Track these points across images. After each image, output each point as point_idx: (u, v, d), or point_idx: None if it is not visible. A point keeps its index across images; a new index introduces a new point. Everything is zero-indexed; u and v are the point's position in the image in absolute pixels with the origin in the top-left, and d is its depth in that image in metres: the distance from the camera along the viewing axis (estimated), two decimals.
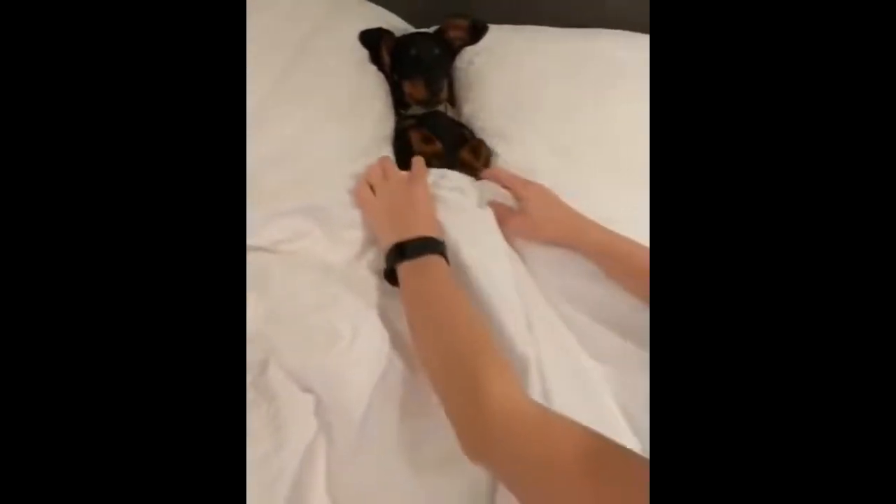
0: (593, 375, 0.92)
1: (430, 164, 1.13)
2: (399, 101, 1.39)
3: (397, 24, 1.49)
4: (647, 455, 0.56)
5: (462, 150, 1.28)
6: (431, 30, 1.43)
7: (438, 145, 1.23)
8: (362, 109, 1.26)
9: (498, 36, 1.42)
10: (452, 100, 1.44)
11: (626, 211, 1.06)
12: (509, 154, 1.26)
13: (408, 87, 1.36)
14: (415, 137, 1.27)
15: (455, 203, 1.06)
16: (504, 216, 1.08)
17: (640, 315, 0.93)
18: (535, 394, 0.82)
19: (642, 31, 1.51)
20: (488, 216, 1.06)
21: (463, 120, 1.38)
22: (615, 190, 1.20)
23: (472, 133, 1.34)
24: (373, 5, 1.50)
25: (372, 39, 1.34)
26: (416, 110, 1.38)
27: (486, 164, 1.27)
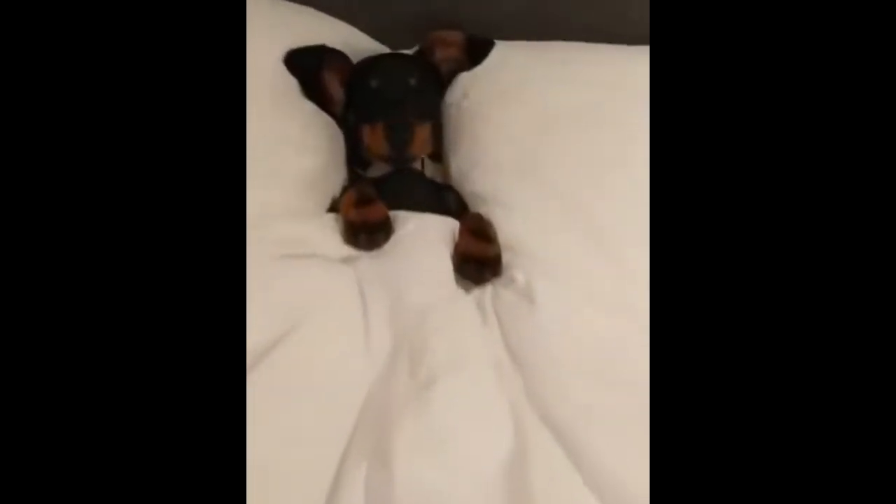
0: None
1: (368, 243, 0.89)
2: (356, 156, 1.07)
3: (362, 45, 1.17)
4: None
5: (460, 239, 0.93)
6: (412, 51, 1.15)
7: (381, 211, 0.93)
8: (278, 167, 0.94)
9: (505, 56, 1.11)
10: (439, 152, 1.09)
11: None
12: (510, 229, 0.95)
13: (367, 136, 1.02)
14: (347, 199, 0.96)
15: None
16: None
17: None
18: None
19: None
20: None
21: (450, 182, 1.07)
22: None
23: (458, 201, 1.04)
24: (322, 15, 1.16)
25: (307, 63, 1.06)
26: (380, 169, 1.05)
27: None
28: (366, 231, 0.88)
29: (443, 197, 1.03)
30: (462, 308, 0.84)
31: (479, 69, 1.10)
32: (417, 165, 1.04)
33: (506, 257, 0.90)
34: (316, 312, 0.79)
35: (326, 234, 0.89)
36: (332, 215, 0.93)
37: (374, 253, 0.87)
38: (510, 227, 0.94)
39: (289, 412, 0.70)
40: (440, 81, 1.10)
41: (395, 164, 1.01)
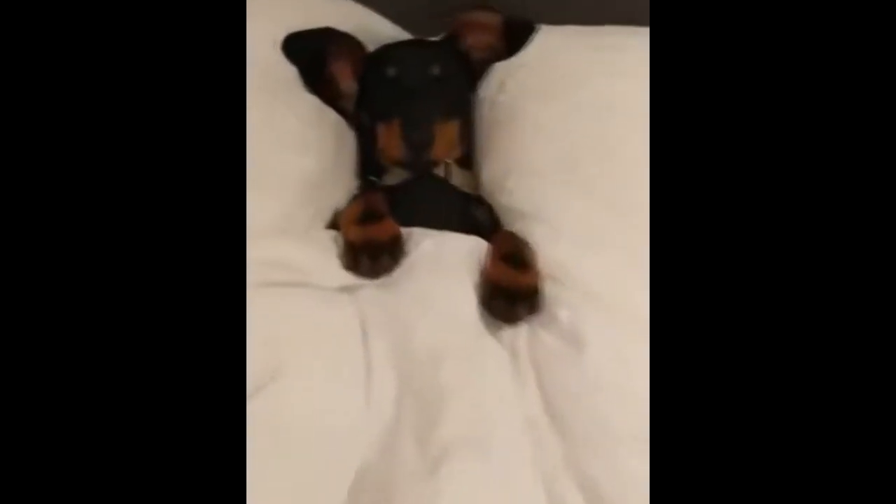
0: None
1: (371, 269, 0.77)
2: (369, 160, 0.95)
3: (381, 31, 1.07)
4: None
5: (490, 265, 0.78)
6: (440, 37, 1.04)
7: (389, 229, 0.80)
8: (269, 169, 0.81)
9: (549, 43, 0.99)
10: (469, 156, 0.97)
11: None
12: (552, 253, 0.82)
13: (382, 136, 0.90)
14: (348, 213, 0.84)
15: None
16: None
17: None
18: None
19: None
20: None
21: (481, 192, 0.94)
22: None
23: (490, 216, 0.92)
24: None
25: (310, 49, 0.95)
26: (398, 177, 0.92)
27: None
28: (369, 253, 0.74)
29: (470, 211, 0.91)
30: (488, 354, 0.70)
31: (517, 58, 0.97)
32: (441, 172, 0.91)
33: (547, 289, 0.76)
34: (302, 358, 0.66)
35: (322, 257, 0.76)
36: (331, 233, 0.81)
37: (380, 281, 0.74)
38: (553, 250, 0.80)
39: (262, 486, 0.56)
40: (471, 72, 0.98)
41: (413, 169, 0.88)
